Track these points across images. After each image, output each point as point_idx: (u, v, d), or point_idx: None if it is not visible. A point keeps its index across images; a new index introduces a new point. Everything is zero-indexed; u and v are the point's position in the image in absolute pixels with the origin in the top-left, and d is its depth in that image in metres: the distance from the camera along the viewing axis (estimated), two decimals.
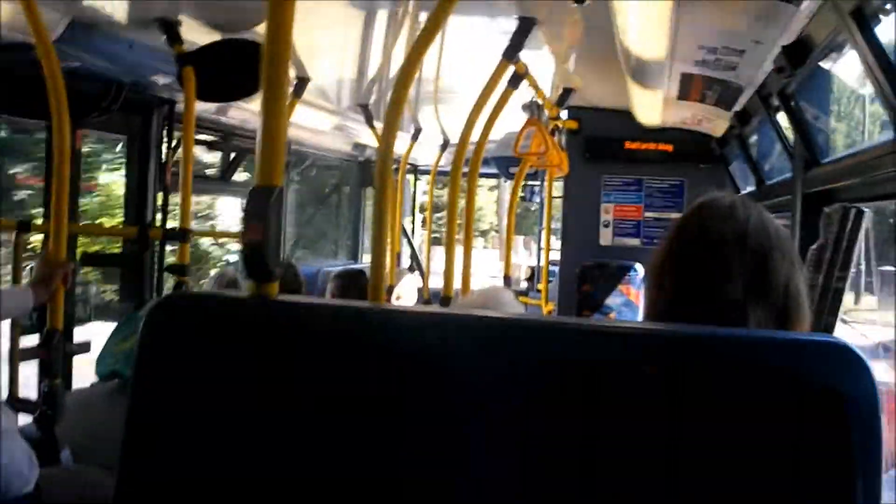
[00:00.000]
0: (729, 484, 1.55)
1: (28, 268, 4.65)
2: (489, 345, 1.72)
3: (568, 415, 1.61)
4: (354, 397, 1.66)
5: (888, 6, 2.76)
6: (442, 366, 1.69)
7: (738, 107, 5.50)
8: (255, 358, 1.70)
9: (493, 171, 10.08)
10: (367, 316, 1.81)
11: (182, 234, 4.93)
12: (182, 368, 1.71)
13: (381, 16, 4.85)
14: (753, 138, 6.04)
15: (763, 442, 1.54)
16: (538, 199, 10.37)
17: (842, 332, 3.72)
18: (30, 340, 4.93)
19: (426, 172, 10.61)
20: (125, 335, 4.26)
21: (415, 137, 8.45)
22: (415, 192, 11.23)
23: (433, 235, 10.11)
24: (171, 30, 4.61)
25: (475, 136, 4.55)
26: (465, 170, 4.79)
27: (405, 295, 6.90)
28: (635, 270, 7.52)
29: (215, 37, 4.86)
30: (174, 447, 1.70)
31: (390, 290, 6.99)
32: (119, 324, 4.45)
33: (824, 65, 3.75)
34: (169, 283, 5.59)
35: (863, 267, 4.27)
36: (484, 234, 29.22)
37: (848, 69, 3.66)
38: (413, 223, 11.09)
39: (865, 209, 3.29)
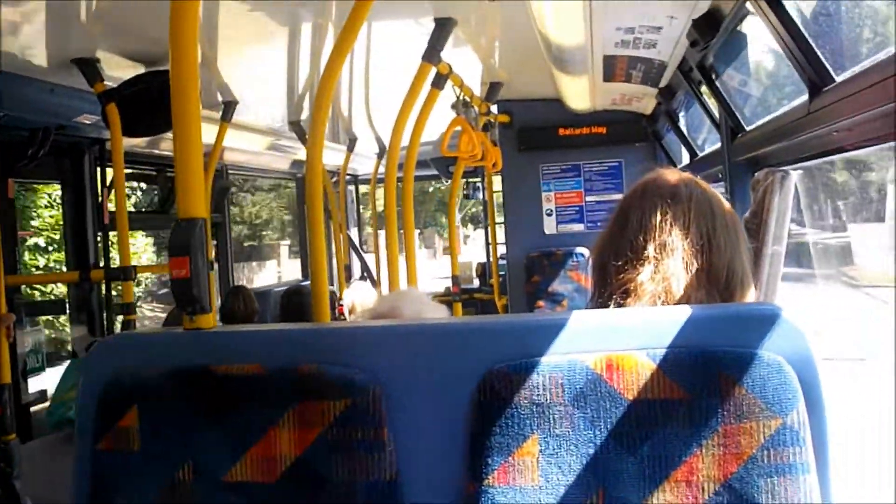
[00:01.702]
0: (684, 452, 1.58)
1: None
2: (425, 351, 1.74)
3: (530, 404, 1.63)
4: (293, 417, 1.67)
5: None
6: (377, 377, 1.70)
7: (663, 83, 5.53)
8: (193, 391, 1.70)
9: (433, 172, 10.08)
10: (304, 337, 1.82)
11: (124, 273, 4.88)
12: (124, 407, 1.71)
13: (305, 31, 4.83)
14: (683, 112, 6.08)
15: (716, 410, 1.58)
16: (480, 195, 10.38)
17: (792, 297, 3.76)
18: None
19: (366, 181, 10.60)
20: (73, 382, 4.23)
21: (350, 148, 8.44)
22: (357, 202, 11.20)
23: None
24: (89, 69, 4.57)
25: (406, 140, 4.56)
26: (400, 174, 4.80)
27: (360, 306, 6.89)
28: (582, 256, 7.55)
29: (136, 71, 4.83)
30: (125, 484, 1.70)
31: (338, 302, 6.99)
32: (65, 371, 4.42)
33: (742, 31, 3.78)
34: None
35: None
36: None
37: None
38: (360, 233, 11.07)
39: (792, 171, 3.32)
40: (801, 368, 1.60)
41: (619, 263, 1.94)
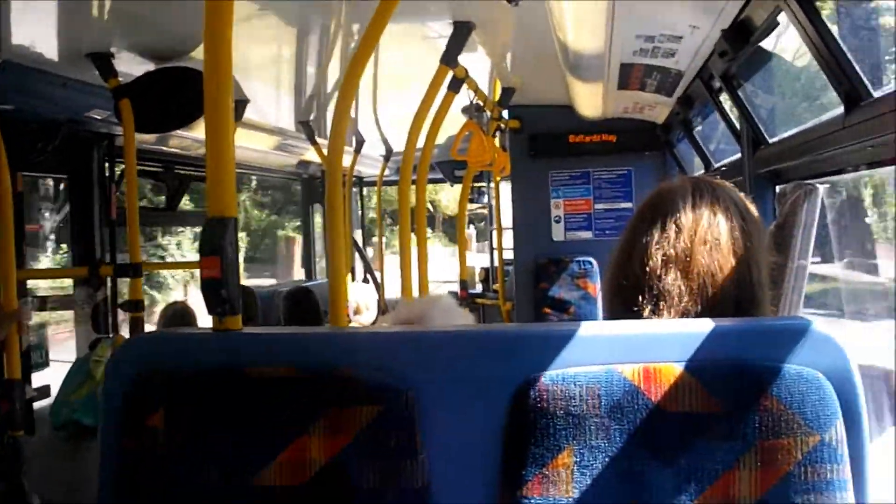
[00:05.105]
0: (720, 466, 1.57)
1: None
2: (461, 358, 1.72)
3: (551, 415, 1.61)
4: (324, 421, 1.64)
5: None
6: (411, 382, 1.67)
7: (679, 92, 5.50)
8: (223, 392, 1.67)
9: (438, 176, 10.06)
10: (333, 342, 1.80)
11: (133, 269, 4.86)
12: (150, 407, 1.68)
13: (315, 30, 4.82)
14: (698, 122, 6.05)
15: (754, 424, 1.56)
16: (485, 200, 10.37)
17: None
18: None
19: (371, 184, 10.59)
20: (79, 382, 4.21)
21: (358, 150, 8.43)
22: (361, 205, 11.19)
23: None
24: (103, 64, 4.55)
25: (420, 143, 4.54)
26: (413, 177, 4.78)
27: (364, 307, 6.86)
28: (591, 264, 7.51)
29: (150, 67, 4.81)
30: (151, 485, 1.67)
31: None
32: (70, 370, 4.39)
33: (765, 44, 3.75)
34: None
35: None
36: None
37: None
38: (363, 236, 11.06)
39: (819, 185, 3.30)
40: (839, 384, 1.59)
41: (649, 270, 1.91)
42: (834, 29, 2.80)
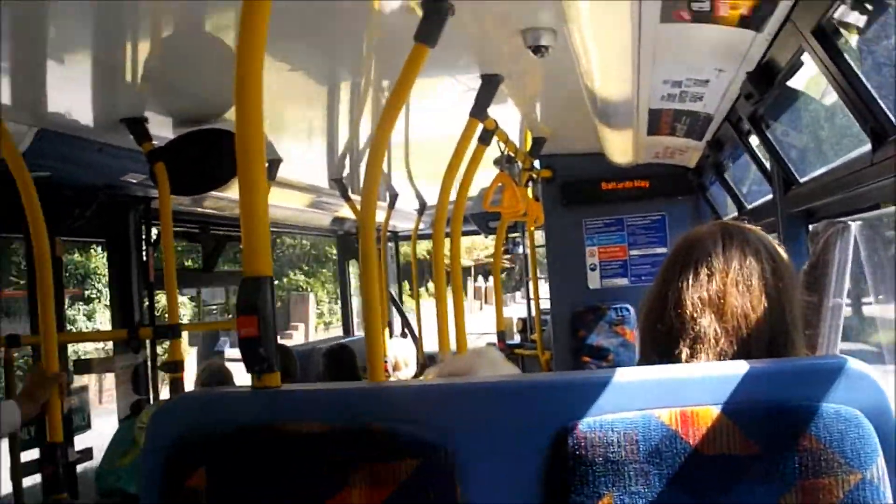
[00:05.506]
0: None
1: None
2: (496, 409, 1.72)
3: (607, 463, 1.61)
4: (363, 476, 1.64)
5: (849, 20, 2.76)
6: (448, 435, 1.68)
7: (709, 136, 5.50)
8: (262, 450, 1.68)
9: (473, 228, 10.05)
10: (370, 397, 1.80)
11: (172, 331, 4.90)
12: (191, 468, 1.69)
13: (345, 88, 4.86)
14: (729, 164, 6.03)
15: (794, 465, 1.56)
16: (520, 251, 10.34)
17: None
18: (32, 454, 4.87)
19: (405, 238, 10.60)
20: (125, 448, 4.23)
21: (392, 205, 8.45)
22: (397, 259, 11.19)
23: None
24: (138, 128, 4.61)
25: (452, 195, 4.55)
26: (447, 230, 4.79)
27: (403, 363, 6.85)
28: (628, 310, 7.47)
29: (183, 130, 4.87)
30: None
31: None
32: (116, 433, 4.41)
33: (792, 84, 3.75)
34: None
35: None
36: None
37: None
38: (399, 290, 11.05)
39: (851, 223, 3.28)
40: (878, 421, 1.58)
41: (685, 314, 1.91)
42: (857, 66, 2.80)
